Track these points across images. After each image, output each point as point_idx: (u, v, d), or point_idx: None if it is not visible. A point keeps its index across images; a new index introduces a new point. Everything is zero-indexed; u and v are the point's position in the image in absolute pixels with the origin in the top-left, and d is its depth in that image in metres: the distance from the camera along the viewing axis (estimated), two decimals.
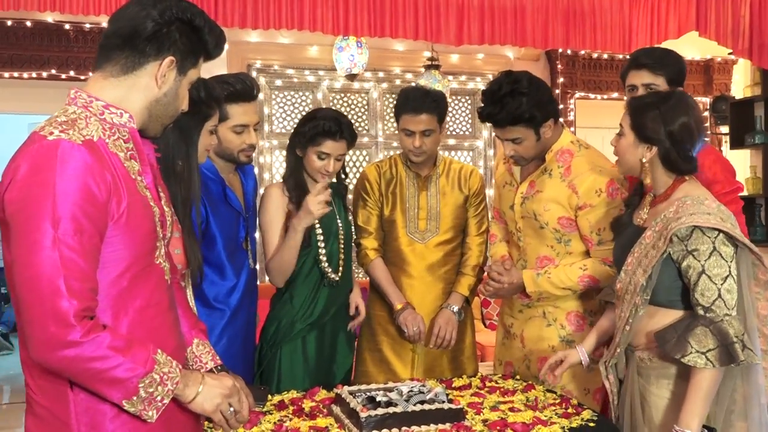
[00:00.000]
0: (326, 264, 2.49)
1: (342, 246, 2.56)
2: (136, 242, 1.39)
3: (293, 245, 2.39)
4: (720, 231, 1.78)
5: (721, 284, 1.77)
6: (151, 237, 1.43)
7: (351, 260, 2.63)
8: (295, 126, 2.55)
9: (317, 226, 2.48)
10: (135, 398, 1.32)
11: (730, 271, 1.78)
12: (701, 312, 1.79)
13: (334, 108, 5.46)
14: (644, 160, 1.93)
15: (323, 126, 2.40)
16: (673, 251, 1.83)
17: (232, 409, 1.48)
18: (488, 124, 5.96)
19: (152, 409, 1.35)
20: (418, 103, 2.56)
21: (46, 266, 1.25)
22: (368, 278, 2.78)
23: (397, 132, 2.72)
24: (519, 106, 2.24)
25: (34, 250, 1.26)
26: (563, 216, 2.37)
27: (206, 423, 1.72)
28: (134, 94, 1.43)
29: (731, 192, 2.31)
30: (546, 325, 2.46)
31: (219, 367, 1.65)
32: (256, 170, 5.26)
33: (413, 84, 4.84)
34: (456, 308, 2.65)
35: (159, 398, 1.35)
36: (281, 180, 2.56)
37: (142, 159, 1.46)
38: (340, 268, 2.54)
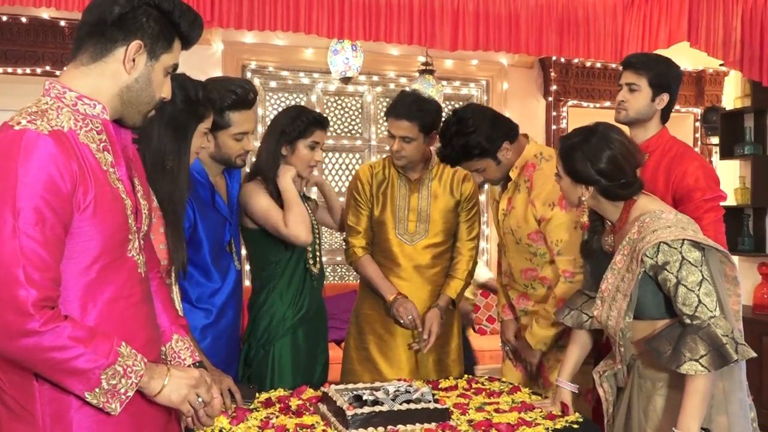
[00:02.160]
0: (310, 255, 2.55)
1: (318, 240, 2.61)
2: (105, 234, 1.38)
3: (296, 200, 2.42)
4: (684, 240, 1.82)
5: (698, 290, 1.81)
6: (121, 229, 1.42)
7: (322, 257, 2.68)
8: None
9: None
10: (97, 390, 1.32)
11: (703, 276, 1.83)
12: (687, 321, 1.83)
13: (329, 113, 5.52)
14: (584, 199, 2.00)
15: (314, 117, 2.51)
16: (647, 269, 1.87)
17: (200, 399, 1.47)
18: None
19: (115, 402, 1.35)
20: (403, 109, 2.59)
21: (4, 256, 1.25)
22: (358, 281, 2.79)
23: None
24: (466, 144, 2.35)
25: None
26: (531, 231, 2.45)
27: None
28: (104, 81, 1.41)
29: (712, 200, 2.31)
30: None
31: (197, 364, 1.64)
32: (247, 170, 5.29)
33: (407, 89, 4.87)
34: (443, 308, 2.67)
35: (123, 391, 1.35)
36: (249, 175, 2.55)
37: (114, 150, 1.44)
38: (318, 260, 2.59)
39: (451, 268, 2.74)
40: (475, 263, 2.77)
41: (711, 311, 1.81)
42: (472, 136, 2.34)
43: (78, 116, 1.38)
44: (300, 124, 2.49)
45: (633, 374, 1.99)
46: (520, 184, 2.46)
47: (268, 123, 5.61)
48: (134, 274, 1.46)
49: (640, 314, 1.93)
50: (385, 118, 2.73)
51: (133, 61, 1.41)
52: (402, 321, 2.62)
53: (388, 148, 5.51)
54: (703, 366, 1.77)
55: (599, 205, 2.02)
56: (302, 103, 5.54)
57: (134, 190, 1.49)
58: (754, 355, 1.83)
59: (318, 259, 2.60)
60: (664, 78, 2.42)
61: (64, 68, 1.44)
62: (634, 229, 1.92)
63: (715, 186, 2.35)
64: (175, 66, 1.50)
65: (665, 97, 2.44)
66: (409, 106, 2.59)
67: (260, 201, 2.43)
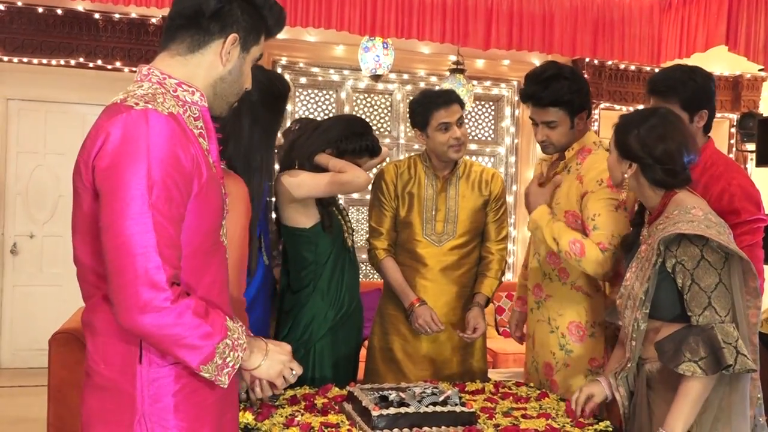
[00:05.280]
0: (346, 235, 2.57)
1: (346, 220, 2.61)
2: (208, 218, 1.41)
3: (339, 160, 2.46)
4: (708, 239, 1.78)
5: (711, 292, 1.77)
6: (220, 213, 1.46)
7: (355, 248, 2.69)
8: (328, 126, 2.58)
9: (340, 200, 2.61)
10: (210, 363, 1.34)
11: (720, 279, 1.78)
12: (695, 321, 1.79)
13: (358, 111, 5.51)
14: (626, 176, 1.96)
15: (373, 145, 2.56)
16: (667, 262, 1.83)
17: (294, 372, 1.52)
18: (512, 130, 5.95)
19: (224, 375, 1.37)
20: (446, 96, 2.65)
21: (139, 231, 1.26)
22: (382, 279, 2.77)
23: (419, 140, 2.73)
24: (561, 88, 2.33)
25: (128, 216, 1.27)
26: (569, 210, 2.36)
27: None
28: (200, 72, 1.45)
29: (750, 222, 2.13)
30: (549, 331, 2.46)
31: None
32: (276, 166, 5.30)
33: (437, 88, 4.83)
34: (482, 305, 2.66)
35: (231, 364, 1.37)
36: (284, 167, 2.54)
37: (210, 137, 1.47)
38: (351, 236, 2.61)
39: (484, 267, 2.71)
40: (505, 263, 2.74)
41: (720, 317, 1.77)
42: (566, 83, 2.34)
43: (179, 102, 1.41)
44: (358, 147, 2.52)
45: (641, 380, 1.96)
46: (571, 166, 2.40)
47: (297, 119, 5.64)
48: (224, 258, 1.50)
49: (652, 312, 1.89)
50: (412, 124, 2.73)
51: (229, 53, 1.44)
52: (422, 333, 2.60)
53: (417, 147, 5.52)
54: (701, 368, 1.74)
55: (640, 189, 1.97)
56: (332, 100, 5.54)
57: (222, 176, 1.52)
58: (755, 368, 1.78)
59: (351, 234, 2.60)
60: (698, 96, 2.23)
61: (159, 55, 1.46)
62: (661, 220, 1.88)
63: (752, 207, 2.15)
64: (260, 57, 1.54)
65: (704, 114, 2.24)
66: (447, 93, 2.68)
67: (305, 174, 2.42)
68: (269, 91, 2.12)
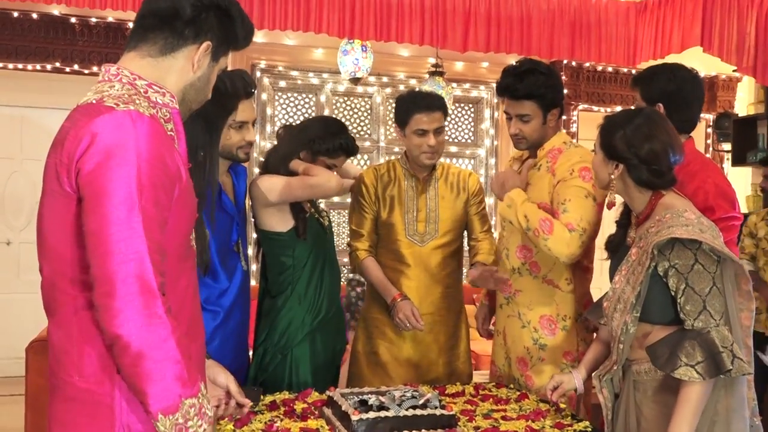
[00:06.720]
0: (314, 213, 2.56)
1: (319, 217, 2.59)
2: (184, 221, 1.39)
3: (312, 165, 2.46)
4: (701, 243, 1.79)
5: (706, 296, 1.78)
6: (193, 217, 1.44)
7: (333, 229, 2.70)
8: (302, 127, 2.59)
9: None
10: (171, 417, 1.23)
11: (714, 283, 1.79)
12: (688, 326, 1.80)
13: (337, 114, 5.50)
14: (613, 177, 1.97)
15: (349, 144, 2.55)
16: (659, 266, 1.84)
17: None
18: (491, 132, 5.97)
19: None
20: (430, 101, 2.62)
21: (130, 236, 1.22)
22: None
23: (398, 137, 2.74)
24: (536, 81, 2.40)
25: (118, 220, 1.23)
26: (541, 202, 2.39)
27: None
28: (171, 76, 1.43)
29: (723, 220, 2.16)
30: (521, 326, 2.48)
31: None
32: (255, 170, 5.28)
33: (417, 89, 4.84)
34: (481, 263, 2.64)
35: (192, 430, 1.27)
36: (263, 171, 2.52)
37: (180, 139, 1.44)
38: (327, 217, 2.62)
39: (475, 249, 2.71)
40: (495, 250, 2.71)
41: (715, 320, 1.77)
42: (542, 77, 2.40)
43: (150, 104, 1.37)
44: (333, 146, 2.51)
45: (628, 381, 1.96)
46: (542, 165, 2.45)
47: (277, 123, 5.65)
48: (194, 263, 1.48)
49: (643, 316, 1.90)
50: (394, 120, 2.72)
51: (200, 60, 1.44)
52: (402, 329, 2.58)
53: (397, 150, 5.53)
54: (698, 373, 1.74)
55: (626, 190, 1.97)
56: (311, 104, 5.52)
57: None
58: (750, 371, 1.79)
59: (326, 218, 2.61)
60: (661, 91, 2.27)
61: (127, 55, 1.43)
62: (653, 223, 1.88)
63: (726, 205, 2.19)
64: (225, 68, 1.54)
65: (659, 108, 2.24)
66: (432, 98, 2.64)
67: (278, 179, 2.41)
68: (216, 86, 2.06)
